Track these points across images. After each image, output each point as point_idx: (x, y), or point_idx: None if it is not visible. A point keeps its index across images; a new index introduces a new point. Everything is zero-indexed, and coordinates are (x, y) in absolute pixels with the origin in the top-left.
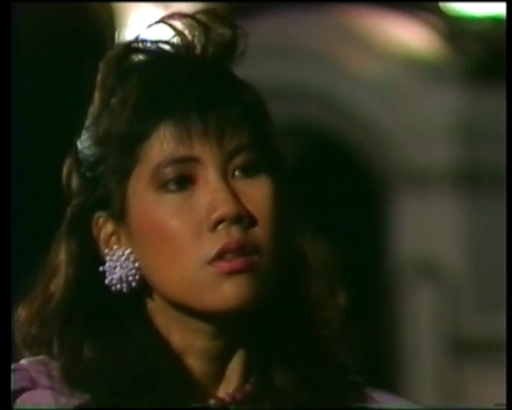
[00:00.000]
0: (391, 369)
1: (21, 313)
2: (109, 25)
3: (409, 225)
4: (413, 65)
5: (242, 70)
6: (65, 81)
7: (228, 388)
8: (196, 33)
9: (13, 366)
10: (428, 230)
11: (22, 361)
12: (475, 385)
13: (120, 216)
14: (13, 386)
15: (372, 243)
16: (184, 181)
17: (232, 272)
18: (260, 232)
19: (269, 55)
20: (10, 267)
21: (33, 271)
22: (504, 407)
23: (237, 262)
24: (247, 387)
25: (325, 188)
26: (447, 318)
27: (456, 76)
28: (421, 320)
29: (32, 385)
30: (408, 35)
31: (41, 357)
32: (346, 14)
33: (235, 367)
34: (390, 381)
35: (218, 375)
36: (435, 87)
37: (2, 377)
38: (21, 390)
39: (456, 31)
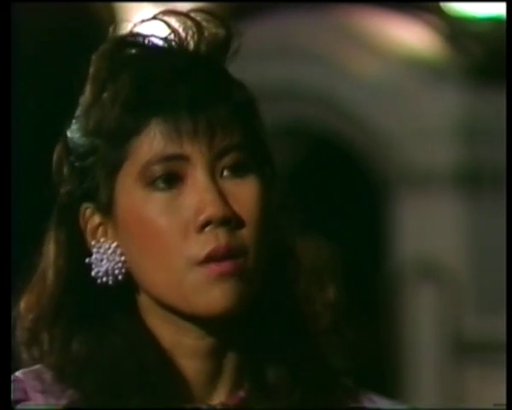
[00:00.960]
0: (392, 369)
1: (21, 308)
2: (110, 25)
3: (410, 226)
4: (414, 65)
5: (244, 71)
6: (65, 81)
7: (221, 390)
8: (190, 31)
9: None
10: (430, 230)
11: (17, 373)
12: (477, 386)
13: (107, 209)
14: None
15: (373, 244)
16: (173, 179)
17: (220, 276)
18: (247, 234)
19: (270, 56)
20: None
21: (30, 264)
22: (504, 407)
23: (225, 265)
24: (241, 393)
25: (326, 188)
26: (449, 318)
27: (457, 76)
28: (423, 321)
29: (26, 396)
30: (409, 35)
31: (36, 367)
32: (347, 15)
33: (227, 367)
34: (391, 381)
35: (211, 374)
36: (436, 87)
37: (2, 384)
38: (16, 402)
39: (458, 31)
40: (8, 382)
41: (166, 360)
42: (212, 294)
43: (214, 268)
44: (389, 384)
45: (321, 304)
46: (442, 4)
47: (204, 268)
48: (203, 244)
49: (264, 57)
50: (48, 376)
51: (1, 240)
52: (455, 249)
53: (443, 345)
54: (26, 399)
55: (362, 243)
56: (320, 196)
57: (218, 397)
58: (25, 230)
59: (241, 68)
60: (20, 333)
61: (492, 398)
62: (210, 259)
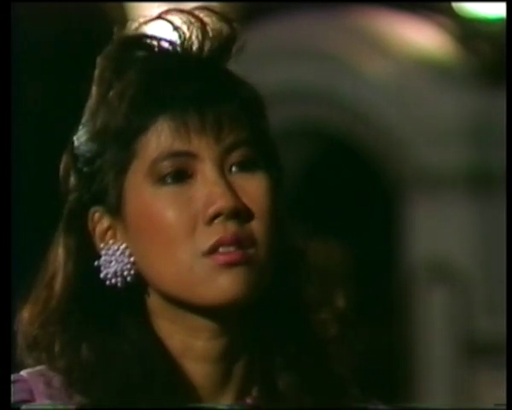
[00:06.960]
0: (404, 371)
1: (25, 314)
2: (120, 25)
3: (422, 227)
4: (426, 66)
5: (256, 72)
6: (67, 83)
7: (227, 395)
8: (193, 29)
9: (13, 378)
10: (441, 231)
11: (22, 373)
12: (489, 387)
13: (117, 211)
14: (12, 398)
15: (385, 245)
16: (182, 175)
17: (227, 265)
18: (257, 226)
19: (281, 57)
20: (10, 280)
21: (34, 270)
22: (504, 407)
23: (233, 255)
24: (247, 400)
25: (338, 190)
26: (461, 320)
27: (469, 77)
28: (435, 322)
29: (31, 397)
30: (421, 37)
31: (41, 368)
32: (359, 16)
33: (235, 372)
34: (403, 383)
35: (219, 379)
36: (448, 89)
37: (2, 382)
38: (21, 402)
39: (469, 32)
40: (8, 382)
41: (174, 364)
42: (219, 282)
43: (221, 258)
44: (401, 385)
45: (329, 313)
46: (454, 5)
47: (211, 258)
48: (211, 234)
49: (276, 58)
50: (55, 380)
51: (1, 242)
52: (467, 251)
53: (455, 346)
54: (31, 400)
55: (374, 245)
56: (333, 198)
57: (225, 402)
58: (25, 237)
59: (252, 69)
60: (24, 339)
61: (504, 399)
62: (217, 248)
